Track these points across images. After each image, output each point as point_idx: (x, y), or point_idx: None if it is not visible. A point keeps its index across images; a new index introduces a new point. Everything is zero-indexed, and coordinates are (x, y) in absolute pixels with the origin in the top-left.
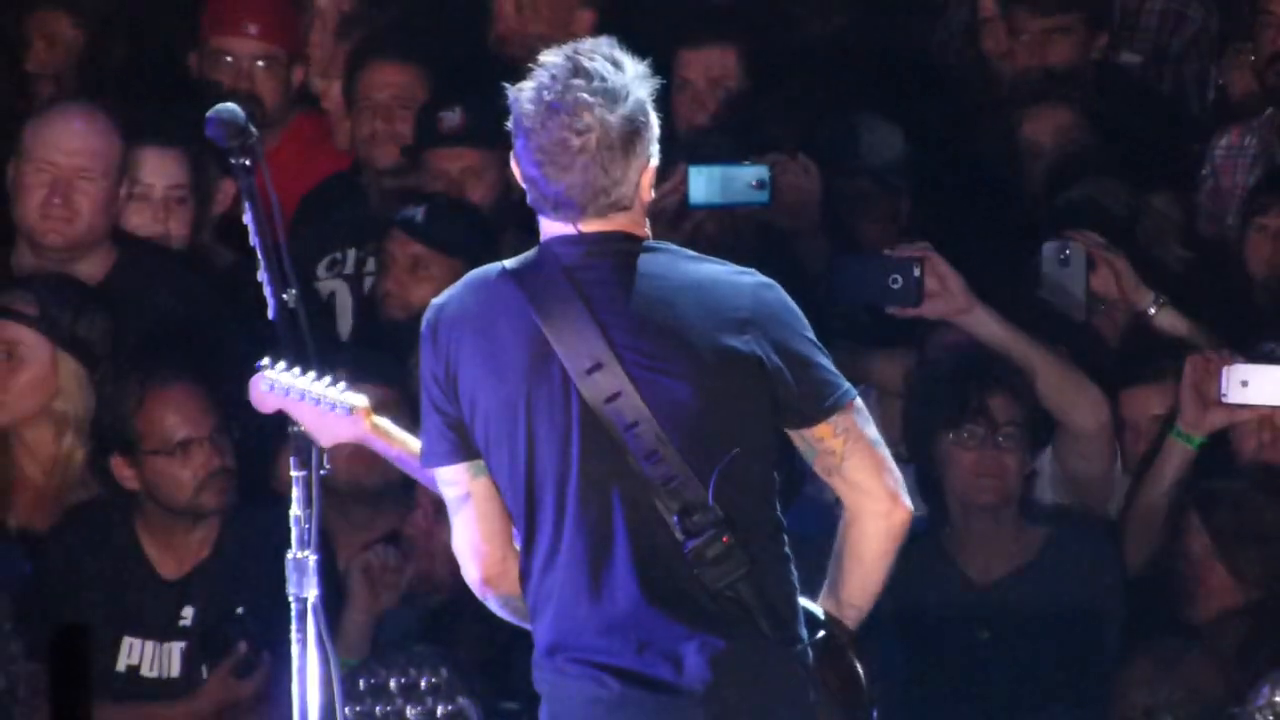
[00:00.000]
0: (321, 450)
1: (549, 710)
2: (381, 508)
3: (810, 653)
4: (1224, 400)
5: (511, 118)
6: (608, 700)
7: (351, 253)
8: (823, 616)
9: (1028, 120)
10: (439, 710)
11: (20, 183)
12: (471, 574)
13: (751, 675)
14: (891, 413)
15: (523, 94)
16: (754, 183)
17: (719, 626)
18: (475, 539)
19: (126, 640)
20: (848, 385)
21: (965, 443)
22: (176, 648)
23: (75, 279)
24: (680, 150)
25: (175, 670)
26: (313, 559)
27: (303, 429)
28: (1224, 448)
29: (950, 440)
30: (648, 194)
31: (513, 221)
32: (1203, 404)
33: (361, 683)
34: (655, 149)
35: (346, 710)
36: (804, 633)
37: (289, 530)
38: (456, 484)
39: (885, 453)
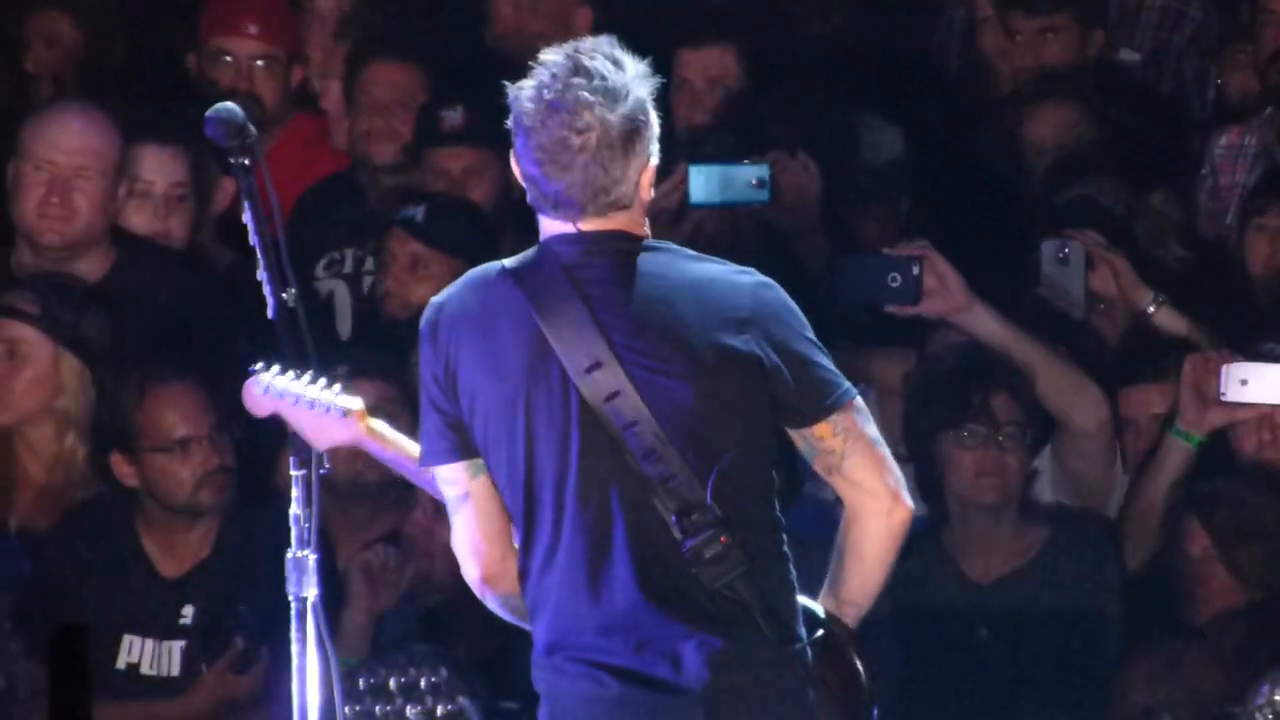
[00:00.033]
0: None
1: (548, 709)
2: (382, 505)
3: (809, 652)
4: (1223, 399)
5: (511, 116)
6: (606, 699)
7: (350, 252)
8: (823, 615)
9: (1030, 118)
10: (439, 710)
11: (19, 182)
12: (471, 573)
13: (750, 674)
14: (891, 412)
15: (523, 92)
16: (754, 181)
17: (717, 626)
18: (474, 538)
19: (126, 638)
20: (847, 384)
21: (966, 442)
22: (176, 646)
23: (77, 278)
24: (680, 149)
25: (175, 669)
26: (312, 558)
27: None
28: (1223, 447)
29: (951, 440)
30: (648, 193)
31: (513, 221)
32: (1202, 403)
33: (361, 682)
34: (655, 148)
35: (346, 710)
36: (803, 632)
37: (289, 529)
38: (456, 483)
39: (885, 451)
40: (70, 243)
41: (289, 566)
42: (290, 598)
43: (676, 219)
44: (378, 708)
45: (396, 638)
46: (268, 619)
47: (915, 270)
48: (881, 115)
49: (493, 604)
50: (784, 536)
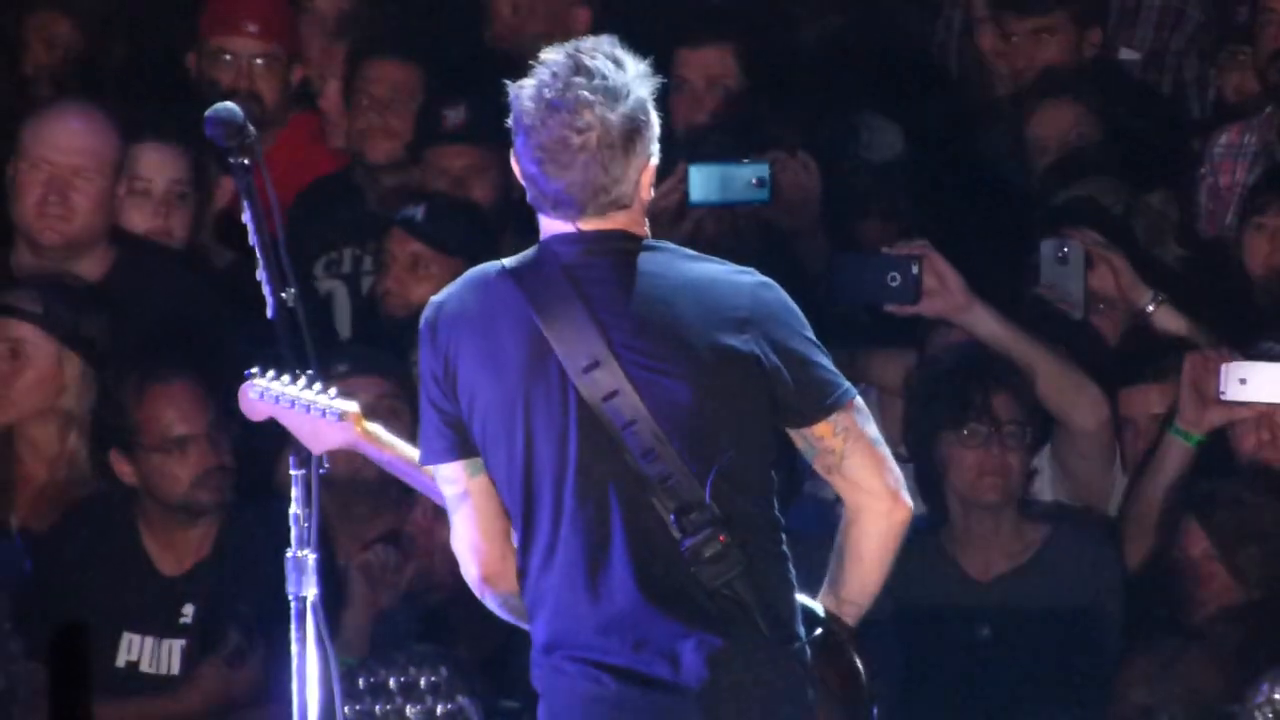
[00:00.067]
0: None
1: (546, 708)
2: (382, 503)
3: (808, 651)
4: (1222, 398)
5: (512, 115)
6: (605, 699)
7: (348, 252)
8: (822, 614)
9: (1034, 117)
10: (438, 709)
11: (18, 182)
12: (470, 572)
13: (749, 674)
14: (892, 412)
15: (523, 91)
16: (754, 181)
17: (716, 625)
18: (474, 537)
19: (126, 636)
20: (847, 384)
21: (968, 441)
22: (176, 645)
23: (78, 278)
24: (680, 149)
25: (175, 667)
26: (312, 558)
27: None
28: (1222, 447)
29: (953, 439)
30: (647, 193)
31: (515, 220)
32: (1201, 402)
33: (361, 681)
34: (655, 148)
35: (346, 709)
36: (802, 631)
37: (290, 528)
38: (455, 482)
39: (885, 451)
40: (69, 242)
41: (288, 566)
42: (290, 597)
43: (676, 218)
44: (377, 707)
45: (396, 637)
46: (263, 615)
47: (915, 269)
48: (881, 115)
49: (492, 603)
50: (783, 536)
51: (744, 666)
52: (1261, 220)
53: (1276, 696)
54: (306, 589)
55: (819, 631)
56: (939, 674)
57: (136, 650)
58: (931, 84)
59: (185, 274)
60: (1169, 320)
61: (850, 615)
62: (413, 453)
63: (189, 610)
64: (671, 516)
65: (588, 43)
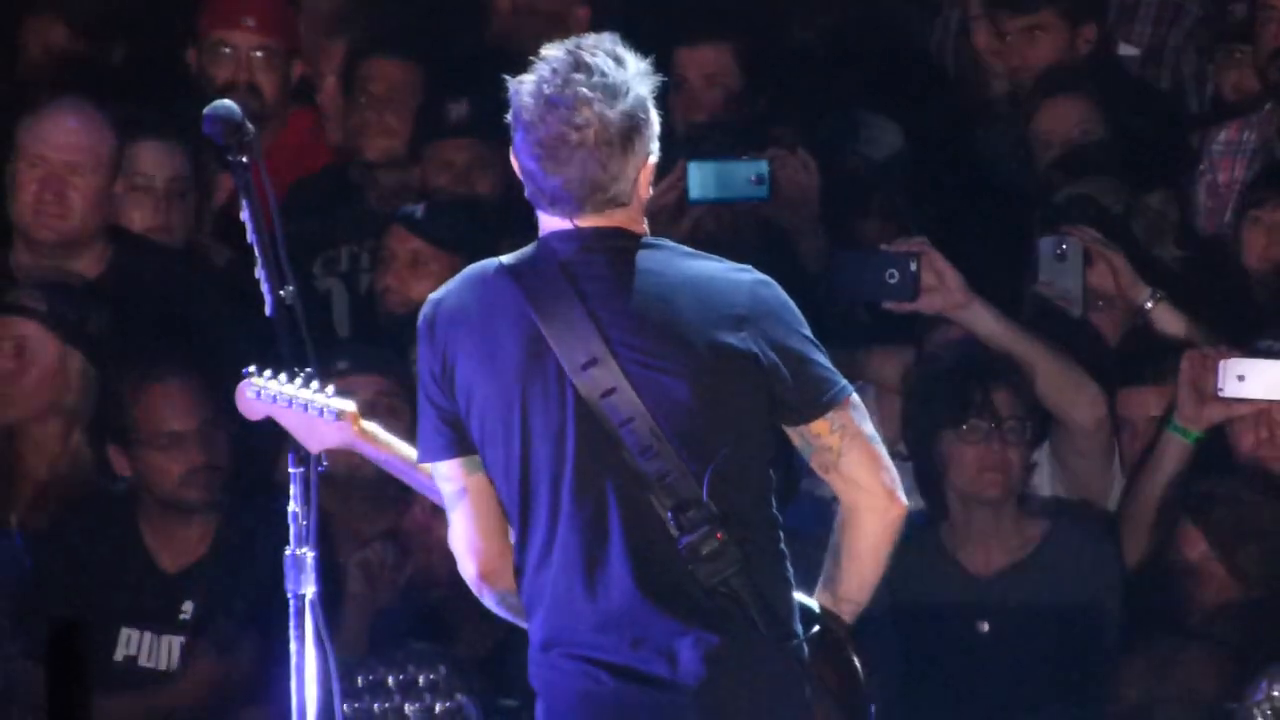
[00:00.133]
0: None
1: (544, 706)
2: (380, 501)
3: (805, 648)
4: (1221, 395)
5: (511, 111)
6: (602, 696)
7: (346, 250)
8: (819, 611)
9: (1039, 113)
10: (437, 707)
11: (15, 179)
12: (468, 570)
13: (746, 671)
14: (890, 410)
15: (523, 87)
16: (753, 178)
17: (713, 622)
18: (471, 535)
19: (124, 631)
20: (844, 382)
21: (968, 438)
22: (175, 641)
23: (80, 276)
24: (680, 147)
25: (173, 662)
26: (310, 556)
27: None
28: (1220, 446)
29: (953, 436)
30: (646, 191)
31: (517, 215)
32: (1200, 399)
33: (360, 679)
34: (655, 146)
35: (345, 707)
36: (799, 628)
37: (288, 526)
38: (452, 479)
39: (882, 449)
40: (65, 239)
41: (287, 564)
42: (289, 595)
43: (675, 216)
44: (376, 705)
45: (395, 635)
46: (259, 611)
47: (913, 267)
48: (881, 113)
49: (489, 601)
50: (781, 533)
51: (741, 664)
52: (1259, 214)
53: (1275, 694)
54: (305, 587)
55: (816, 629)
56: (938, 669)
57: (135, 645)
58: (930, 82)
59: (184, 271)
60: (1167, 317)
61: (847, 613)
62: (410, 452)
63: (188, 607)
64: (669, 514)
65: (589, 40)
